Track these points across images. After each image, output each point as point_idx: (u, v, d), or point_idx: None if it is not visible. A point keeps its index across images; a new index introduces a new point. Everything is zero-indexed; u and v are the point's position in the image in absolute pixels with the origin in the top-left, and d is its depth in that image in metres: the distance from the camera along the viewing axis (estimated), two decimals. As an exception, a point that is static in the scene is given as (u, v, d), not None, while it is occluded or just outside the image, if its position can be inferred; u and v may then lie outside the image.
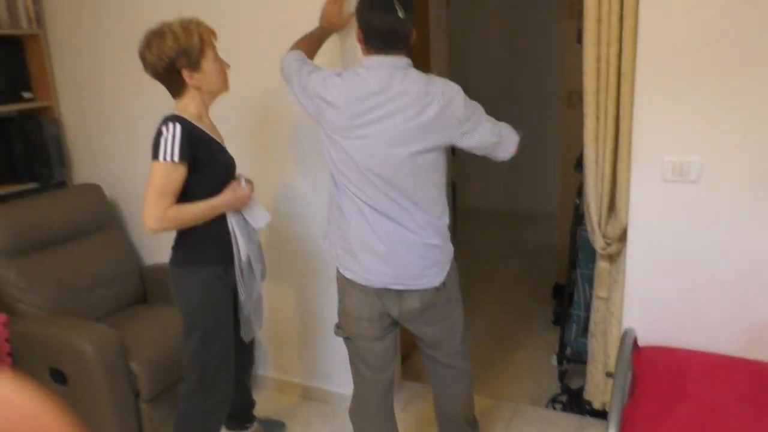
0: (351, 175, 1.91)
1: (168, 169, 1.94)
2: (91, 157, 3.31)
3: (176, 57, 1.97)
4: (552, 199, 5.05)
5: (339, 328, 2.15)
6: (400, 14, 1.85)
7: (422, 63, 2.59)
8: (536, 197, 5.75)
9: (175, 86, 2.04)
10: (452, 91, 1.90)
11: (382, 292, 2.00)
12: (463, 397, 2.30)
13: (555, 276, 4.25)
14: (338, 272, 2.09)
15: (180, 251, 2.15)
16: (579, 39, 3.90)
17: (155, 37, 1.98)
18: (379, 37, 1.87)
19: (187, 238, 2.12)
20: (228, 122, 2.70)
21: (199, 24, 2.03)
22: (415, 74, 1.89)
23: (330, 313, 2.89)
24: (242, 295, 2.23)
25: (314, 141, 2.67)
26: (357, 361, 2.16)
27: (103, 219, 3.12)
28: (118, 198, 3.28)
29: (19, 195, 3.10)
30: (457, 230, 4.80)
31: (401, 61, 1.89)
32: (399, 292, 2.00)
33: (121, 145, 3.21)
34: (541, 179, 5.70)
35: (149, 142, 2.00)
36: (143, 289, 3.14)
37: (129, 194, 3.25)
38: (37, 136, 3.19)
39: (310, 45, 2.24)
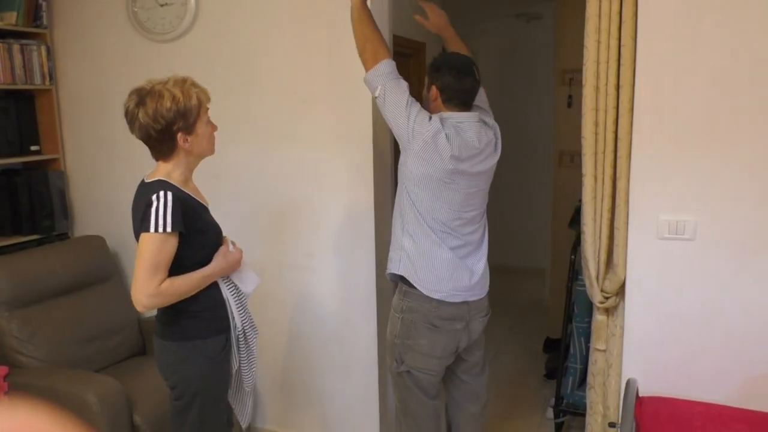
0: (445, 212, 2.17)
1: (160, 241, 1.82)
2: (94, 209, 3.36)
3: (174, 120, 1.86)
4: (541, 256, 5.18)
5: (400, 363, 2.28)
6: (477, 77, 2.22)
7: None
8: (526, 253, 5.87)
9: (165, 149, 1.93)
10: (493, 124, 2.36)
11: (457, 328, 2.25)
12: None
13: (546, 330, 4.32)
14: (410, 310, 2.24)
15: (176, 325, 1.99)
16: (569, 104, 4.13)
17: (150, 96, 1.86)
18: (460, 97, 2.19)
19: (182, 311, 1.97)
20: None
21: (194, 84, 1.94)
22: (485, 125, 2.27)
23: (333, 362, 2.93)
24: (235, 365, 2.11)
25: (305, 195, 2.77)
26: (415, 390, 2.32)
27: (106, 270, 3.15)
28: (120, 249, 3.32)
29: (21, 246, 3.12)
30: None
31: (477, 116, 2.23)
32: (466, 324, 2.28)
33: (124, 197, 3.23)
34: (530, 236, 5.83)
35: None
36: (142, 340, 3.15)
37: (130, 246, 3.27)
38: (42, 189, 3.23)
39: (381, 36, 2.24)
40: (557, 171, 4.30)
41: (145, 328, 3.15)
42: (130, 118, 1.90)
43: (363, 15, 2.22)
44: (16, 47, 3.08)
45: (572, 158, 4.22)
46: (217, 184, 2.82)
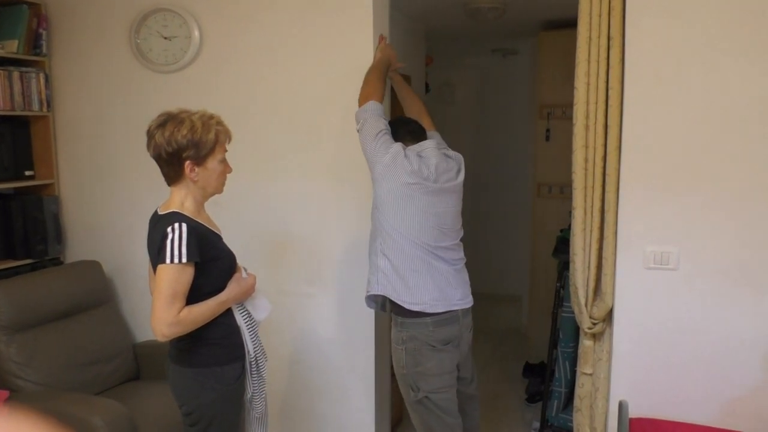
0: (425, 230, 2.33)
1: (177, 271, 1.89)
2: (87, 233, 3.39)
3: (186, 147, 1.93)
4: (517, 283, 5.33)
5: (417, 390, 2.37)
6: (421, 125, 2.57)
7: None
8: (503, 281, 6.02)
9: (172, 174, 2.00)
10: (455, 155, 2.55)
11: (454, 336, 2.39)
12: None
13: (525, 356, 4.45)
14: (411, 339, 2.35)
15: (195, 352, 2.04)
16: (547, 137, 4.33)
17: (172, 121, 1.95)
18: (412, 135, 2.49)
19: (201, 338, 2.02)
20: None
21: (219, 123, 2.02)
22: (445, 155, 2.49)
23: (330, 386, 3.00)
24: (249, 392, 2.16)
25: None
26: (437, 413, 2.40)
27: (101, 295, 3.18)
28: (114, 274, 3.35)
29: (15, 270, 3.13)
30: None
31: (434, 143, 2.49)
32: (461, 333, 2.43)
33: (119, 222, 3.31)
34: (507, 264, 5.98)
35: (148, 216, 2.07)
36: (137, 365, 3.17)
37: (124, 270, 3.32)
38: (36, 213, 3.25)
39: (382, 86, 2.53)
40: (536, 201, 4.48)
41: (140, 353, 3.18)
42: (149, 136, 1.99)
43: (376, 70, 2.59)
44: (15, 74, 3.12)
45: (550, 189, 4.42)
46: (217, 212, 2.88)
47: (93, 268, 3.19)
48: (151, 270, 2.09)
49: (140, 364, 3.17)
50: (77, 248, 3.41)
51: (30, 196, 3.27)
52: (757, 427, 2.25)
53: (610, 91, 2.42)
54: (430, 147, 2.42)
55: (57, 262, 3.36)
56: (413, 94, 2.83)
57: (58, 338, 2.89)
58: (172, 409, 2.70)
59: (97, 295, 3.15)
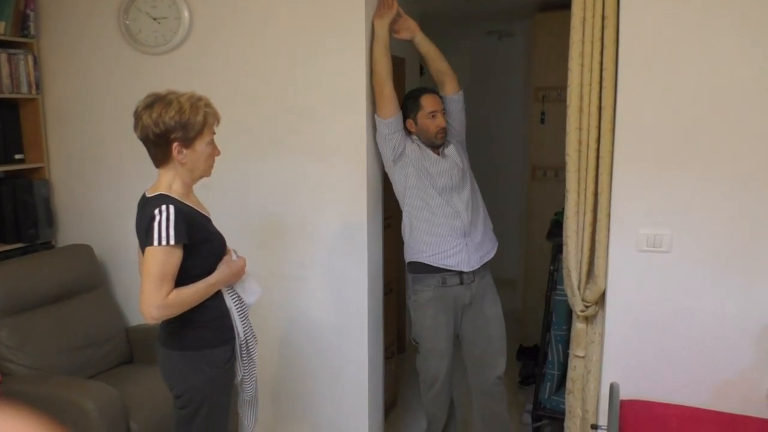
0: None
1: (165, 253, 1.87)
2: (79, 217, 3.36)
3: (174, 128, 1.92)
4: (511, 267, 5.32)
5: None
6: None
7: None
8: (497, 264, 6.00)
9: (160, 155, 1.98)
10: None
11: None
12: None
13: (519, 339, 4.46)
14: None
15: (184, 335, 2.04)
16: (542, 120, 4.31)
17: (160, 102, 1.93)
18: None
19: (190, 321, 2.02)
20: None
21: (207, 105, 2.00)
22: None
23: (324, 370, 3.00)
24: (239, 375, 2.17)
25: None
26: None
27: (93, 279, 3.16)
28: (106, 258, 3.33)
29: (6, 255, 3.11)
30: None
31: None
32: None
33: (110, 206, 3.28)
34: (501, 248, 5.96)
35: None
36: (129, 349, 3.16)
37: (116, 254, 3.30)
38: (27, 197, 3.23)
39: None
40: (531, 185, 4.46)
41: (132, 336, 3.17)
42: (137, 117, 1.96)
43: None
44: (3, 56, 3.08)
45: (545, 172, 4.40)
46: (209, 195, 2.86)
47: (84, 251, 3.18)
48: (140, 253, 2.08)
49: (133, 347, 3.17)
50: (68, 232, 3.39)
51: (20, 180, 3.25)
52: (746, 409, 2.26)
53: (604, 72, 2.39)
54: None
55: (48, 246, 3.35)
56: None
57: (50, 322, 2.88)
58: (164, 392, 2.69)
59: (88, 279, 3.14)
